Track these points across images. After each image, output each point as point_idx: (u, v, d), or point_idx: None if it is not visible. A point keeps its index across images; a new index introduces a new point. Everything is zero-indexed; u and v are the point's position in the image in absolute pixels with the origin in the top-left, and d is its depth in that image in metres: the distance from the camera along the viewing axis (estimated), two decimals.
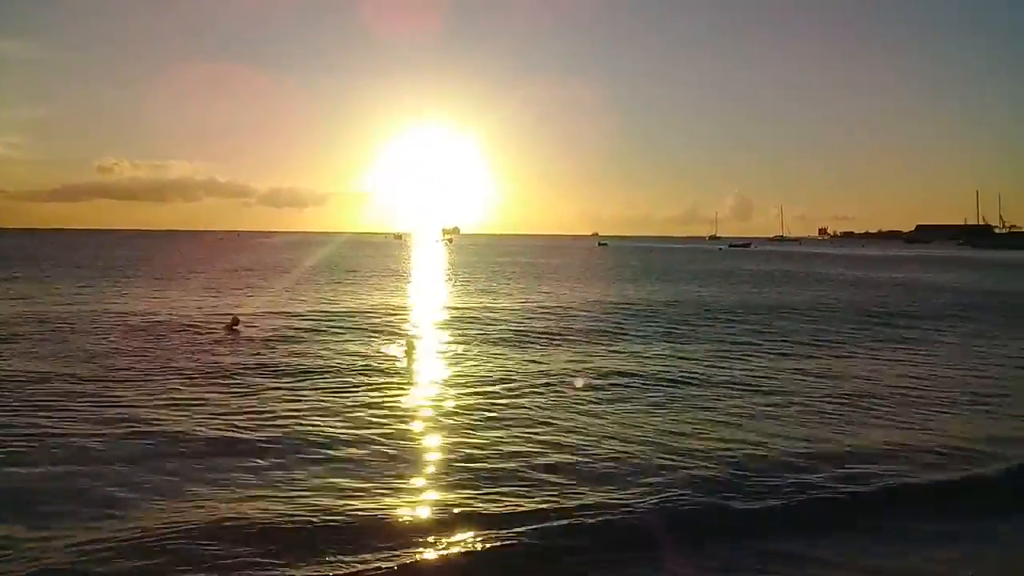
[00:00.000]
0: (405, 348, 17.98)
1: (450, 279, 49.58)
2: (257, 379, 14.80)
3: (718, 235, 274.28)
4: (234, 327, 20.85)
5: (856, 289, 43.49)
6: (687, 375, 16.08)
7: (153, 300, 30.31)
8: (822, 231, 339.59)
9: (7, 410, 12.04)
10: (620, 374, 15.96)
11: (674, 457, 10.18)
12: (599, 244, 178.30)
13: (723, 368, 16.98)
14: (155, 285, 38.84)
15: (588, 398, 13.72)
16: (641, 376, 15.87)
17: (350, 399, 13.24)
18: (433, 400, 13.37)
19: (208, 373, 15.30)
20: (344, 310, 27.69)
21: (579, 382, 14.57)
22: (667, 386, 14.93)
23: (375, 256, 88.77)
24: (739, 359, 18.35)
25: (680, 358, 18.21)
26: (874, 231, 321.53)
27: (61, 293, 33.13)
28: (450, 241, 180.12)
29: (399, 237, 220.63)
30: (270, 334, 20.72)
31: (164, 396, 13.23)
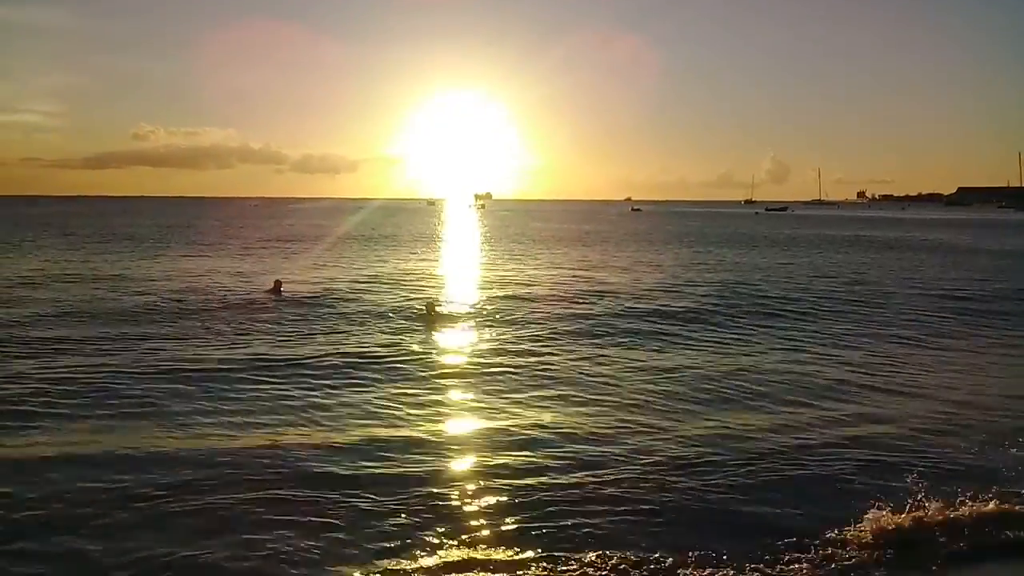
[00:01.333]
0: (426, 310, 18.51)
1: (480, 245, 49.72)
2: (301, 332, 15.54)
3: (754, 199, 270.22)
4: (278, 290, 21.50)
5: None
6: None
7: (198, 266, 31.20)
8: (861, 194, 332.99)
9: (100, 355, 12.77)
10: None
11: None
12: (632, 209, 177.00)
13: None
14: (198, 251, 39.82)
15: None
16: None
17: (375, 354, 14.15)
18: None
19: (257, 330, 16.06)
20: (377, 274, 28.66)
21: None
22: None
23: (408, 222, 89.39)
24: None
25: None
26: (914, 194, 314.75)
27: (108, 259, 34.19)
28: (483, 207, 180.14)
29: (432, 203, 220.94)
30: (310, 296, 21.60)
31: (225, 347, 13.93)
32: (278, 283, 22.03)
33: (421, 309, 18.81)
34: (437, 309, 18.63)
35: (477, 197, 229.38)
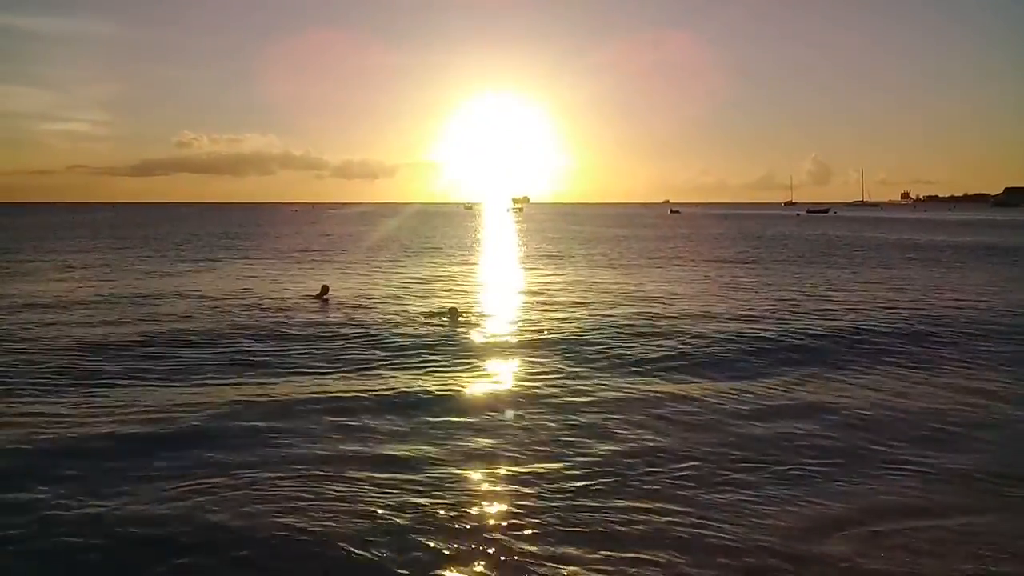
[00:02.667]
0: (448, 316, 18.34)
1: (516, 250, 49.08)
2: (348, 341, 15.44)
3: (794, 201, 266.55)
4: (324, 296, 21.51)
5: None
6: None
7: (246, 272, 31.48)
8: (905, 195, 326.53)
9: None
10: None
11: None
12: (671, 212, 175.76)
13: None
14: (244, 257, 40.25)
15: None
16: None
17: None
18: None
19: (305, 336, 16.03)
20: (414, 278, 28.68)
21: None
22: None
23: (445, 226, 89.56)
24: None
25: None
26: (959, 194, 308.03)
27: (154, 266, 34.73)
28: (520, 210, 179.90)
29: (469, 207, 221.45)
30: (355, 301, 21.63)
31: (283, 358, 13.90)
32: (324, 288, 22.05)
33: (444, 315, 18.56)
34: (461, 315, 18.47)
35: (515, 201, 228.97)
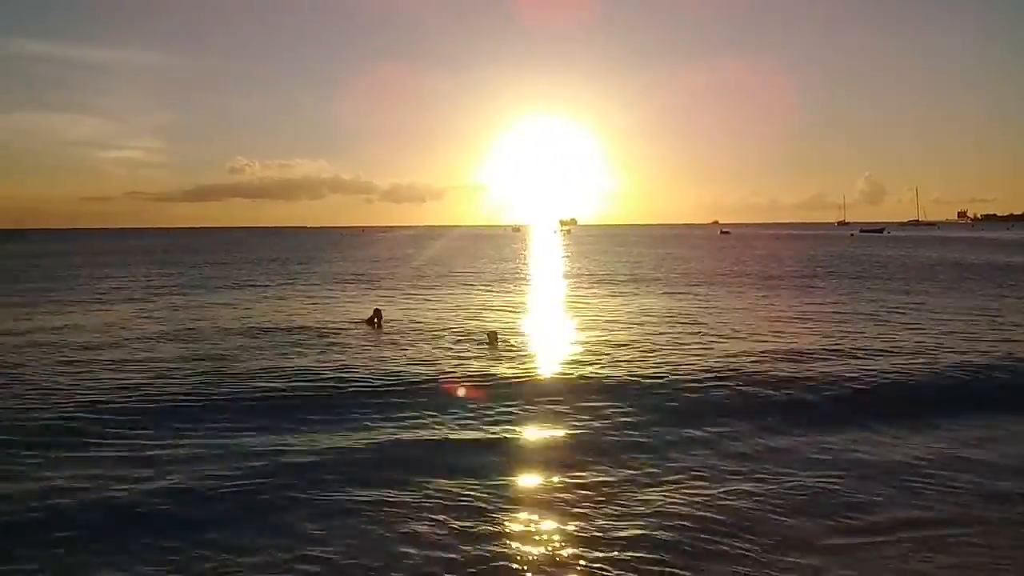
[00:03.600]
0: (488, 340, 18.20)
1: (562, 272, 48.49)
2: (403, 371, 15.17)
3: (847, 220, 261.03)
4: (376, 320, 21.37)
5: None
6: None
7: (301, 297, 31.72)
8: (961, 214, 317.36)
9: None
10: None
11: None
12: (721, 232, 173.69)
13: None
14: (300, 282, 40.67)
15: None
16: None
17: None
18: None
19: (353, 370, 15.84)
20: (459, 302, 28.52)
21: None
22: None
23: (493, 249, 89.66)
24: None
25: None
26: (1018, 212, 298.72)
27: (213, 295, 35.22)
28: (568, 232, 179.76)
29: (517, 229, 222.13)
30: (408, 325, 21.45)
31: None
32: (377, 312, 21.91)
33: (483, 338, 18.43)
34: (500, 339, 18.25)
35: (562, 223, 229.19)
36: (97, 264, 58.01)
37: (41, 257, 70.91)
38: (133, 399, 12.92)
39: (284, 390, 13.56)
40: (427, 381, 14.23)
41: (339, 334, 19.87)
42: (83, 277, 43.18)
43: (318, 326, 21.53)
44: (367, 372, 14.98)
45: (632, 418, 11.82)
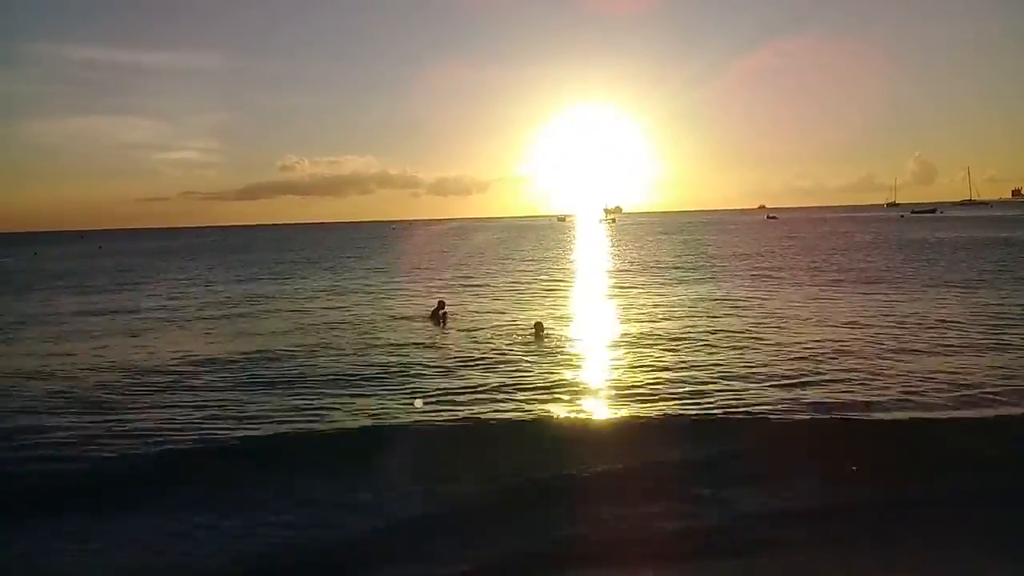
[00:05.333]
0: (534, 330, 19.00)
1: (608, 262, 49.17)
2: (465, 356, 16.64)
3: (897, 202, 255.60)
4: (440, 311, 22.88)
5: None
6: None
7: (361, 290, 33.53)
8: (1016, 192, 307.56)
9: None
10: None
11: None
12: (768, 217, 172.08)
13: None
14: (359, 275, 42.59)
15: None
16: None
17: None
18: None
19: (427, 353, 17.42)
20: (507, 292, 30.15)
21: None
22: None
23: (539, 239, 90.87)
24: None
25: None
26: None
27: (280, 285, 37.32)
28: (613, 221, 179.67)
29: (562, 219, 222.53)
30: (470, 316, 23.09)
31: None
32: (441, 303, 23.38)
33: (530, 329, 19.25)
34: (545, 330, 19.00)
35: (607, 211, 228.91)
36: (156, 262, 60.90)
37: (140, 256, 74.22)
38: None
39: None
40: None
41: (410, 323, 21.54)
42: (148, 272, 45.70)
43: (386, 320, 23.27)
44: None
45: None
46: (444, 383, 14.10)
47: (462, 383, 13.99)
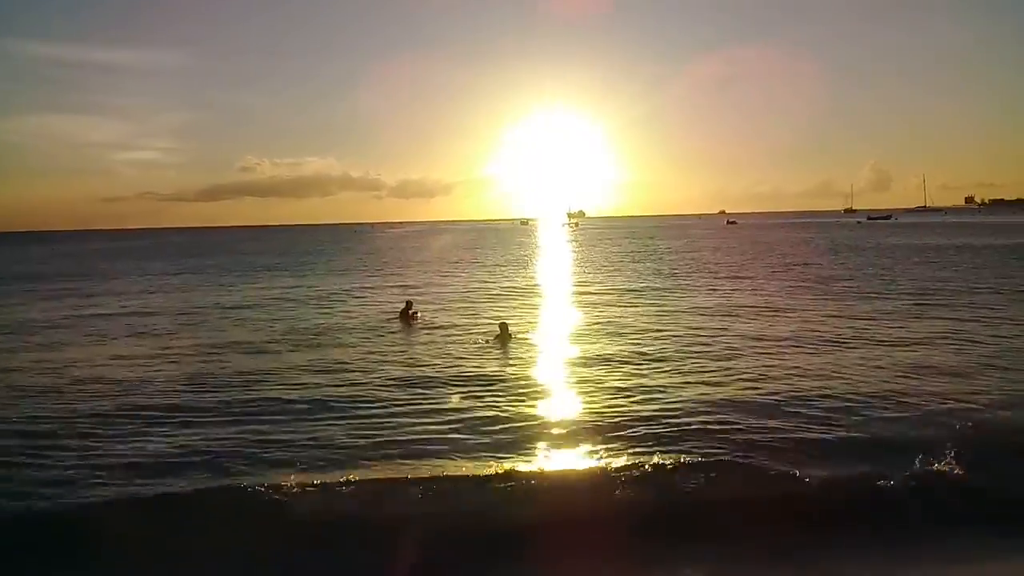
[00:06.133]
0: (499, 331, 18.54)
1: (570, 266, 49.41)
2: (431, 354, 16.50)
3: (854, 208, 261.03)
4: (410, 311, 22.65)
5: None
6: None
7: (328, 294, 33.16)
8: (969, 200, 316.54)
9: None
10: None
11: None
12: (728, 223, 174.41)
13: None
14: (328, 276, 42.09)
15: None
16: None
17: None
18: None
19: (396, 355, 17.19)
20: (467, 295, 30.11)
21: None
22: None
23: (501, 243, 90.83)
24: None
25: None
26: None
27: (241, 285, 36.69)
28: (576, 225, 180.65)
29: (525, 223, 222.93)
30: (437, 314, 23.13)
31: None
32: (409, 303, 23.16)
33: (495, 331, 18.84)
34: (510, 331, 18.57)
35: (570, 215, 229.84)
36: (115, 263, 59.49)
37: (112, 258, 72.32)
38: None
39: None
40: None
41: (376, 330, 21.07)
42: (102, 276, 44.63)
43: (361, 313, 23.28)
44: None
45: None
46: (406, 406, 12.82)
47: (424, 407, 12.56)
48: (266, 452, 9.98)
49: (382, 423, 11.33)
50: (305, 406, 12.32)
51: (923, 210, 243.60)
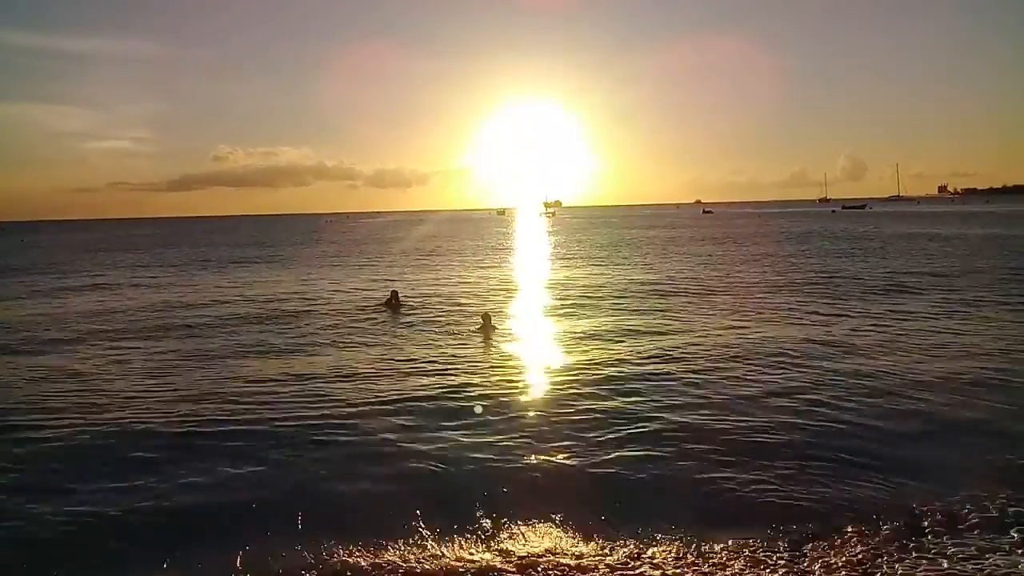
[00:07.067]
0: (482, 322, 18.34)
1: (547, 254, 49.16)
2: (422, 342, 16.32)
3: (828, 197, 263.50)
4: (394, 301, 22.47)
5: None
6: None
7: (306, 282, 32.71)
8: (942, 189, 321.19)
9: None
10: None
11: None
12: (704, 212, 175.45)
13: None
14: (300, 268, 41.69)
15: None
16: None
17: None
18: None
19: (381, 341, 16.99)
20: (457, 283, 29.93)
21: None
22: None
23: (478, 232, 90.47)
24: None
25: None
26: (998, 186, 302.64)
27: (223, 280, 36.18)
28: (552, 215, 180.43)
29: (502, 212, 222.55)
30: (421, 304, 22.86)
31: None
32: (394, 293, 23.00)
33: (478, 320, 18.73)
34: (493, 322, 18.40)
35: (547, 205, 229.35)
36: (100, 255, 58.55)
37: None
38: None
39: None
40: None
41: (363, 316, 21.03)
42: (78, 269, 43.87)
43: (344, 305, 23.05)
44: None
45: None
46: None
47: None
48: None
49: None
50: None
51: (897, 199, 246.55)
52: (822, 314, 19.53)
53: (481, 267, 38.45)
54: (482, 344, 16.58)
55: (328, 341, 17.25)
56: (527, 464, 8.95)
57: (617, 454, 9.19)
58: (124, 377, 13.89)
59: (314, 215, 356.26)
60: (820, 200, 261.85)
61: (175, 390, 12.81)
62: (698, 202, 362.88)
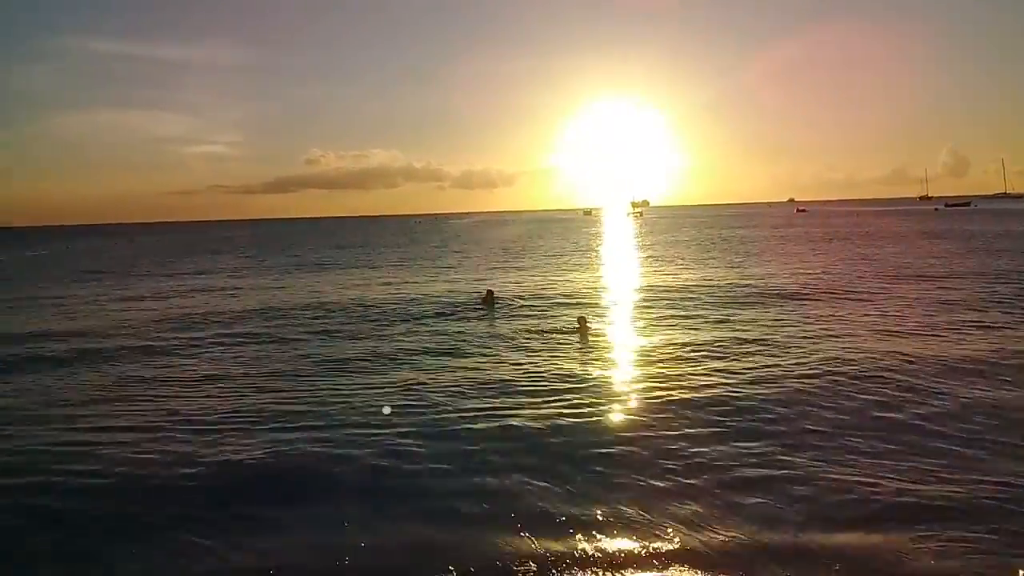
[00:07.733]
0: (577, 324, 18.15)
1: (638, 256, 48.25)
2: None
3: (929, 195, 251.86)
4: (490, 298, 23.26)
5: None
6: None
7: (420, 281, 33.90)
8: None
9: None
10: None
11: None
12: (797, 211, 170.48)
13: None
14: (414, 269, 43.03)
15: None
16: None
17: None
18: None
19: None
20: (550, 284, 29.94)
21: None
22: None
23: (565, 233, 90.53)
24: None
25: None
26: None
27: (340, 278, 37.81)
28: (640, 215, 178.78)
29: (589, 212, 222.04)
30: (516, 302, 23.54)
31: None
32: (489, 291, 23.79)
33: (573, 323, 18.57)
34: (588, 324, 18.15)
35: (634, 205, 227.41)
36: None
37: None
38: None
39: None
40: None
41: (458, 311, 21.88)
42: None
43: (447, 302, 23.98)
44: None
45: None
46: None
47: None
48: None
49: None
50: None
51: (1003, 196, 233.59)
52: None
53: (571, 268, 38.66)
54: (579, 347, 16.34)
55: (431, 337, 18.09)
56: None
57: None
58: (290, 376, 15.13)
59: (405, 216, 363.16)
60: (921, 198, 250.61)
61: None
62: (791, 200, 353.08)
